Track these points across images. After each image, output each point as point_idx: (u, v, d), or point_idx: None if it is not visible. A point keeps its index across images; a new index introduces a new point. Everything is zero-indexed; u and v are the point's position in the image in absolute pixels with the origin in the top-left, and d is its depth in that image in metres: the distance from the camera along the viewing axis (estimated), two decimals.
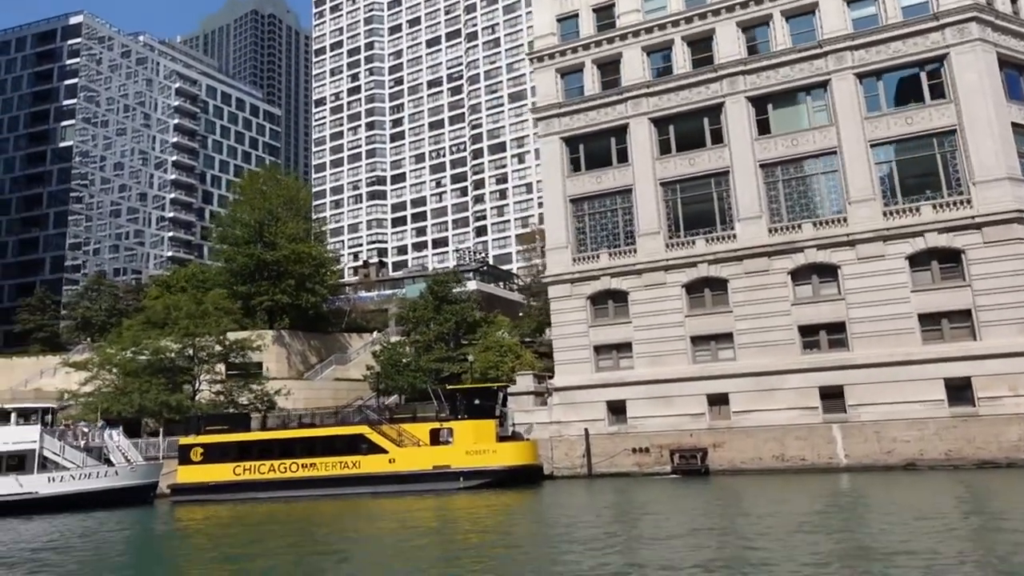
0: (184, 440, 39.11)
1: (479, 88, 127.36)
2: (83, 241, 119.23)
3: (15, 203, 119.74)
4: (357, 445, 37.68)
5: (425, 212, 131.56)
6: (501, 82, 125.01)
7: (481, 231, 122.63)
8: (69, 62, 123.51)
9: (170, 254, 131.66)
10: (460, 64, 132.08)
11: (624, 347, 42.86)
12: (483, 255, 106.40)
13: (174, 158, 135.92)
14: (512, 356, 53.89)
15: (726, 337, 40.59)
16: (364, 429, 38.04)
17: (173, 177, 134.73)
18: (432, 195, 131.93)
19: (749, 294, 40.10)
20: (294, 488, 37.30)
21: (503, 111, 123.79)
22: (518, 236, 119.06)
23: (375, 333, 71.14)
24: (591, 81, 46.07)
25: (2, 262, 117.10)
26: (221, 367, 54.59)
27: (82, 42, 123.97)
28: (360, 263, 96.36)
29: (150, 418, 50.24)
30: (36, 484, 35.45)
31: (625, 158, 44.66)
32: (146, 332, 49.05)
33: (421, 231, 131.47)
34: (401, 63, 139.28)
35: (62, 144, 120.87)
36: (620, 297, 43.39)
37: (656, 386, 40.97)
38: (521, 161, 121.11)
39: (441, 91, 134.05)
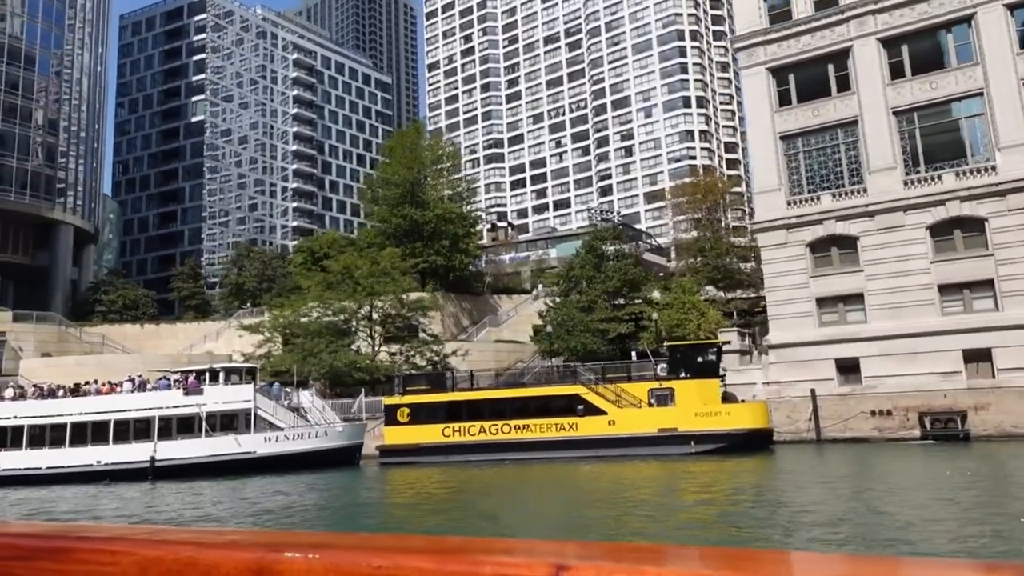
0: (389, 400, 37.65)
1: (600, 41, 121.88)
2: (213, 213, 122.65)
3: (154, 178, 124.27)
4: (573, 406, 35.11)
5: (545, 173, 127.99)
6: (624, 33, 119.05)
7: (606, 191, 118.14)
8: (196, 38, 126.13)
9: (295, 224, 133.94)
10: (578, 17, 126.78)
11: (853, 298, 38.31)
12: (614, 214, 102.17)
13: (294, 129, 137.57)
14: (696, 313, 50.10)
15: (984, 285, 35.42)
16: (580, 389, 35.40)
17: (294, 148, 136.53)
18: (552, 155, 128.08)
19: (1015, 234, 34.66)
20: (506, 451, 35.16)
21: (627, 64, 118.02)
22: (646, 194, 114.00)
23: (539, 287, 68.75)
24: (802, 1, 40.95)
25: (145, 236, 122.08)
26: (379, 329, 53.53)
27: (207, 18, 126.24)
28: (488, 225, 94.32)
29: (324, 379, 49.65)
30: (253, 444, 34.74)
31: (847, 86, 39.56)
32: (326, 293, 48.14)
33: (541, 193, 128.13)
34: (515, 20, 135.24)
35: (193, 119, 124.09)
36: (846, 243, 38.73)
37: (897, 341, 36.34)
38: (648, 116, 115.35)
39: (559, 47, 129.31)
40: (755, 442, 33.91)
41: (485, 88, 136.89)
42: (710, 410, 33.82)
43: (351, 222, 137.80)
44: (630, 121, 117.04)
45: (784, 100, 41.26)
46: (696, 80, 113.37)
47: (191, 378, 36.70)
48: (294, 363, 43.78)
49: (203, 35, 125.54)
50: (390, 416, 37.15)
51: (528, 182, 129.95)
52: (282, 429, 35.74)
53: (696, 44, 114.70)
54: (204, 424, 34.92)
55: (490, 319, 66.73)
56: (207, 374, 37.57)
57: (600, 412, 34.73)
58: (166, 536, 0.91)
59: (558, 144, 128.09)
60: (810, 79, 40.63)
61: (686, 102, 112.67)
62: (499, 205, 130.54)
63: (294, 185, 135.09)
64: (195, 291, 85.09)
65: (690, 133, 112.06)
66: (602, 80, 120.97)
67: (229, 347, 65.04)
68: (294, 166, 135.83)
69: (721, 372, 35.64)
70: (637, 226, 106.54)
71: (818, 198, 39.41)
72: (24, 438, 35.40)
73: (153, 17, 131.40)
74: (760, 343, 46.51)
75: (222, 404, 35.75)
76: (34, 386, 37.57)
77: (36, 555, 0.91)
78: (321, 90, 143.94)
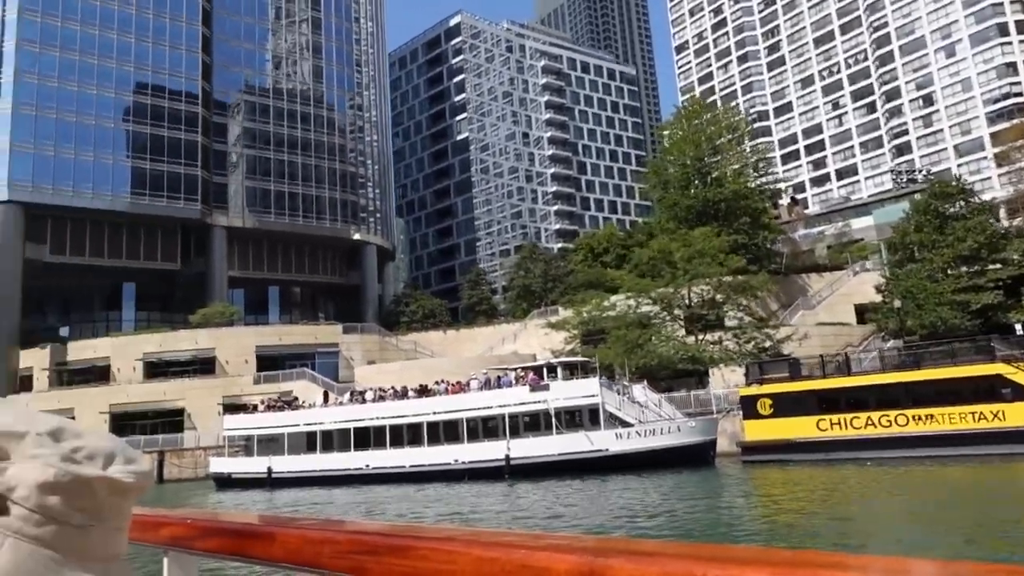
0: (746, 391, 33.60)
1: None
2: (481, 225, 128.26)
3: (429, 198, 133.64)
4: (994, 389, 28.17)
5: (822, 140, 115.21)
6: None
7: (902, 149, 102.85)
8: (454, 61, 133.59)
9: (557, 227, 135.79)
10: None
11: None
12: (921, 173, 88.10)
13: (548, 134, 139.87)
14: None
15: None
16: (1003, 368, 28.33)
17: (550, 153, 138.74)
18: (829, 120, 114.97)
19: None
20: (901, 447, 29.23)
21: (916, 0, 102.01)
22: (957, 147, 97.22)
23: (861, 262, 60.51)
24: None
25: (427, 251, 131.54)
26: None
27: (463, 40, 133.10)
28: (788, 199, 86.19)
29: (634, 372, 47.10)
30: (605, 441, 32.76)
31: None
32: (643, 281, 45.58)
33: (819, 163, 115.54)
34: None
35: (458, 137, 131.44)
36: None
37: None
38: (950, 55, 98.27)
39: None
40: None
41: (742, 59, 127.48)
42: None
43: (610, 219, 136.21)
44: (927, 65, 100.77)
45: None
46: (1012, 1, 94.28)
47: (532, 375, 35.85)
48: (618, 356, 41.56)
49: (460, 57, 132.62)
50: (749, 408, 33.00)
51: (802, 153, 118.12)
52: (631, 425, 33.32)
53: None
54: (553, 421, 33.70)
55: (802, 300, 59.70)
56: (544, 369, 36.57)
57: None
58: (496, 538, 0.94)
59: (835, 106, 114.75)
60: None
61: (1002, 30, 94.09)
62: (771, 183, 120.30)
63: (552, 189, 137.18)
64: (483, 297, 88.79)
65: (1011, 66, 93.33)
66: (885, 24, 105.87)
67: (527, 347, 65.71)
68: (551, 170, 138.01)
69: None
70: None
71: None
72: (387, 438, 37.05)
73: (416, 49, 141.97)
74: None
75: (568, 400, 34.31)
76: (391, 388, 39.45)
77: (381, 551, 1.00)
78: (569, 92, 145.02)
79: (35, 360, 63.47)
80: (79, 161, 72.05)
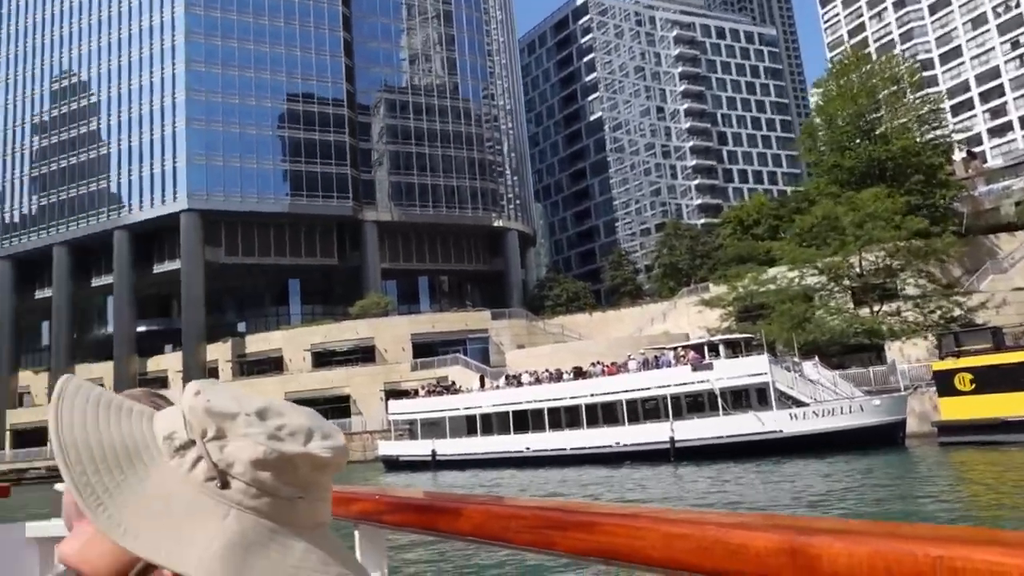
0: (940, 365, 30.37)
1: None
2: (620, 205, 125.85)
3: (565, 181, 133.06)
4: None
5: (1000, 86, 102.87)
6: None
7: None
8: (583, 40, 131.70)
9: (698, 202, 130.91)
10: None
11: None
12: None
13: (685, 106, 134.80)
14: None
15: None
16: None
17: (687, 125, 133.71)
18: (1008, 61, 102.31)
19: None
20: None
21: None
22: None
23: None
24: None
25: (566, 235, 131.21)
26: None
27: (590, 18, 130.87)
28: (964, 153, 77.85)
29: (800, 348, 44.10)
30: (778, 421, 30.82)
31: None
32: (808, 251, 42.56)
33: (997, 111, 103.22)
34: None
35: (591, 118, 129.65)
36: None
37: None
38: None
39: None
40: None
41: (899, 4, 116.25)
42: None
43: (755, 189, 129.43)
44: None
45: None
46: None
47: (692, 353, 34.41)
48: (783, 332, 39.03)
49: (589, 36, 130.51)
50: (944, 384, 29.74)
51: (976, 101, 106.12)
52: (806, 404, 31.12)
53: None
54: (719, 401, 32.15)
55: (992, 264, 53.46)
56: (704, 348, 35.01)
57: None
58: (683, 516, 0.94)
59: (1015, 45, 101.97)
60: None
61: None
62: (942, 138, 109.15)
63: (692, 163, 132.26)
64: (627, 278, 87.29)
65: None
66: None
67: (677, 327, 63.81)
68: (689, 144, 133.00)
69: None
70: None
71: None
72: (545, 420, 37.01)
73: (544, 33, 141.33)
74: None
75: (734, 379, 32.59)
76: (545, 371, 39.43)
77: (568, 526, 1.03)
78: (705, 60, 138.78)
79: (219, 353, 69.61)
80: (244, 168, 77.85)
